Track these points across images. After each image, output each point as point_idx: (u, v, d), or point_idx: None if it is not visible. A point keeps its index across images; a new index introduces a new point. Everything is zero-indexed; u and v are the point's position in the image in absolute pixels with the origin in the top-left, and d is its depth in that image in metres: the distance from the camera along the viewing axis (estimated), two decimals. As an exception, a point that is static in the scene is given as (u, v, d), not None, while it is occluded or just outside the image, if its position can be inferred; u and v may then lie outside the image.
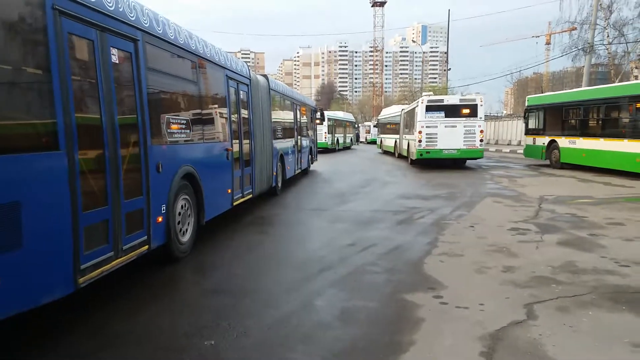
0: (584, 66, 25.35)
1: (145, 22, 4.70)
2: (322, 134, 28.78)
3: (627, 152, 13.01)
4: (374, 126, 46.00)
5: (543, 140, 17.59)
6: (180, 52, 5.60)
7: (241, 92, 8.05)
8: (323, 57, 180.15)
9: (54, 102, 3.23)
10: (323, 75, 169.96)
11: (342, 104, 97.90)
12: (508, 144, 35.50)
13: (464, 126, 16.61)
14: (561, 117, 16.69)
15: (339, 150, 33.83)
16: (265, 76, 10.25)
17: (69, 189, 3.34)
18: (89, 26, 3.74)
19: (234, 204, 7.50)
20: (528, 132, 19.05)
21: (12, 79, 3.05)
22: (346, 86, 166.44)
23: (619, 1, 24.21)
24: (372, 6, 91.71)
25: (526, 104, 19.52)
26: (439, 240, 6.36)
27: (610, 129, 14.05)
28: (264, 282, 4.75)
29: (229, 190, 7.23)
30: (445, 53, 50.60)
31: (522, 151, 21.04)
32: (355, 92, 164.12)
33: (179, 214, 5.42)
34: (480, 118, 16.78)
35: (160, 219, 4.84)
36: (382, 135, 31.88)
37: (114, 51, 4.09)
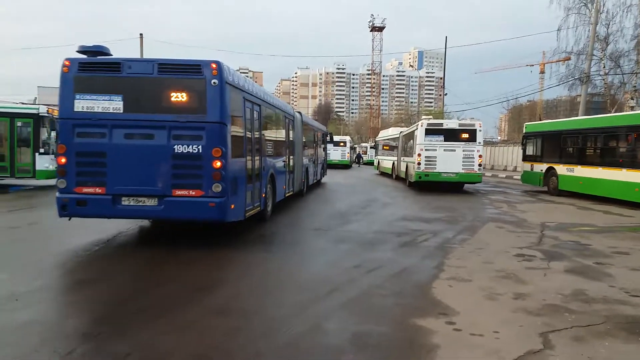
0: (579, 95, 25.73)
1: (261, 95, 8.87)
2: (346, 154, 36.97)
3: (625, 182, 13.10)
4: (371, 147, 46.21)
5: (541, 167, 17.69)
6: (270, 107, 9.85)
7: (289, 125, 12.26)
8: (321, 78, 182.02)
9: (244, 135, 7.57)
10: (320, 95, 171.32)
11: (338, 124, 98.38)
12: (504, 169, 35.70)
13: (463, 150, 16.67)
14: (559, 145, 16.81)
15: (351, 167, 40.39)
16: (300, 112, 14.55)
17: (246, 173, 7.51)
18: (249, 102, 7.91)
19: (286, 195, 11.74)
20: (526, 158, 19.17)
21: (237, 126, 7.18)
22: (343, 107, 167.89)
23: (615, 33, 24.71)
24: (370, 30, 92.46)
25: (524, 131, 19.69)
26: (445, 264, 6.30)
27: (609, 158, 14.15)
28: (272, 303, 4.66)
29: (284, 187, 11.36)
30: (441, 78, 51.30)
31: (518, 177, 21.15)
32: (352, 113, 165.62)
33: (267, 194, 9.10)
34: (479, 143, 16.85)
35: (263, 195, 8.78)
36: (379, 157, 31.97)
37: (254, 112, 8.24)
